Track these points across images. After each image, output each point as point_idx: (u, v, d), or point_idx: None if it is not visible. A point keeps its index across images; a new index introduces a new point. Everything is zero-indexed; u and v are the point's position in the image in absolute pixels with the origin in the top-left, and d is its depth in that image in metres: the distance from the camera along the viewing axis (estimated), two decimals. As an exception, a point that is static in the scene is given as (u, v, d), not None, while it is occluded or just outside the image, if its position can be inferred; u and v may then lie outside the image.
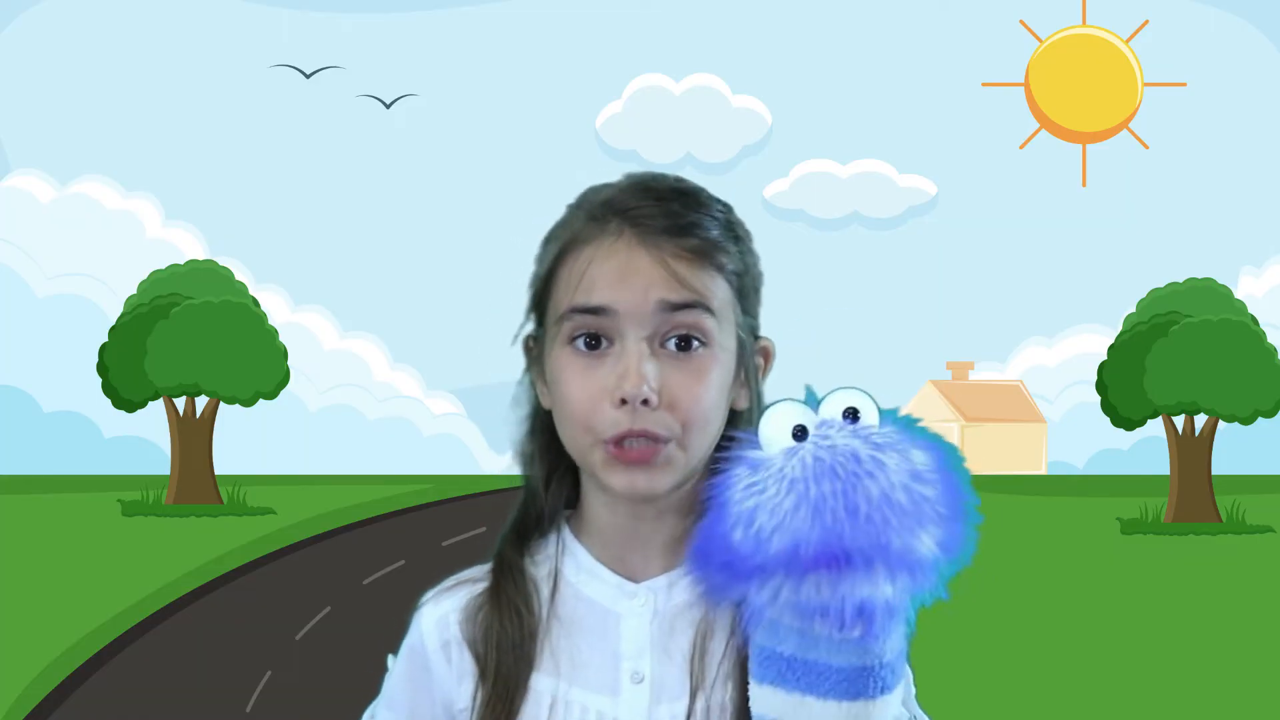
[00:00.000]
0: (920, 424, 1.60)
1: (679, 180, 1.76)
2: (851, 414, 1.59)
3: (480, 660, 1.76)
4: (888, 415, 1.60)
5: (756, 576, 1.57)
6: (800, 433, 1.58)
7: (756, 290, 1.77)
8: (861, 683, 1.59)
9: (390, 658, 1.85)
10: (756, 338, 1.77)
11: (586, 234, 1.71)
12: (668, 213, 1.70)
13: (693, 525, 1.73)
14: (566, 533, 1.79)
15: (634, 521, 1.75)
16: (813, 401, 1.62)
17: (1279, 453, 36.83)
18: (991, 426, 48.14)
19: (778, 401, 1.62)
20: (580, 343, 1.70)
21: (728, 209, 1.76)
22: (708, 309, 1.69)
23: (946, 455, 1.59)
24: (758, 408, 1.76)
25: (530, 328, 1.78)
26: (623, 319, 1.68)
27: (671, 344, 1.69)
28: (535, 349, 1.77)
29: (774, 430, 1.60)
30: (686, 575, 1.74)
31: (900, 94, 49.43)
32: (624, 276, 1.68)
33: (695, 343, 1.69)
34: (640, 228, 1.69)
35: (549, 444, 1.78)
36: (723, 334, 1.70)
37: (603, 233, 1.70)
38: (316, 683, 10.56)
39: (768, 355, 1.79)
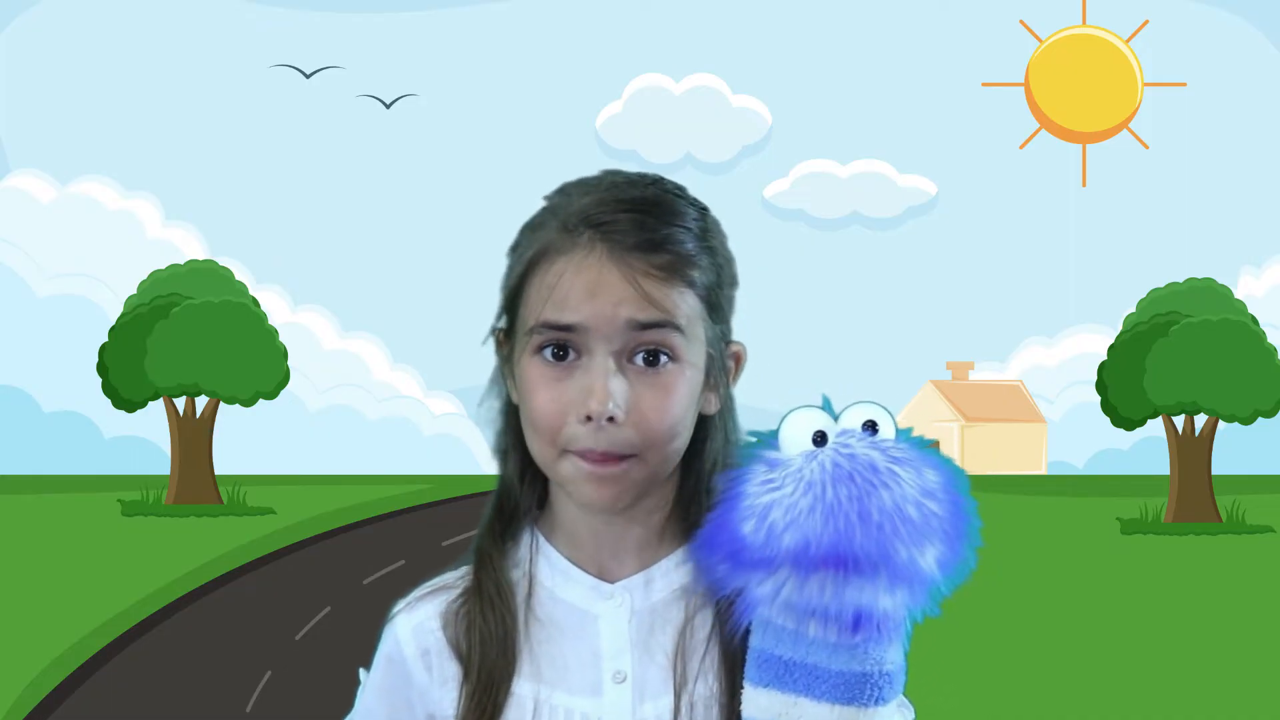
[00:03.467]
0: (933, 446, 1.63)
1: (655, 184, 1.76)
2: (870, 426, 1.62)
3: (464, 660, 1.76)
4: (903, 434, 1.63)
5: (762, 569, 1.59)
6: (820, 438, 1.61)
7: (729, 297, 1.77)
8: (858, 689, 1.61)
9: (361, 671, 1.84)
10: (728, 342, 1.78)
11: (559, 245, 1.71)
12: (641, 226, 1.70)
13: (663, 524, 1.76)
14: (538, 535, 1.80)
15: (605, 523, 1.76)
16: (829, 410, 1.64)
17: (1279, 453, 36.86)
18: (991, 426, 48.14)
19: (800, 407, 1.64)
20: (548, 353, 1.71)
21: (703, 214, 1.76)
22: (675, 326, 1.70)
23: (956, 477, 1.62)
24: (729, 411, 1.78)
25: (503, 322, 1.79)
26: (591, 335, 1.69)
27: (639, 359, 1.70)
28: (506, 345, 1.78)
29: (794, 433, 1.62)
30: (674, 574, 1.76)
31: (900, 94, 49.46)
32: (594, 293, 1.69)
33: (663, 358, 1.70)
34: (612, 243, 1.69)
35: (521, 439, 1.78)
36: (690, 348, 1.72)
37: (574, 246, 1.70)
38: (316, 683, 10.57)
39: (739, 359, 1.80)
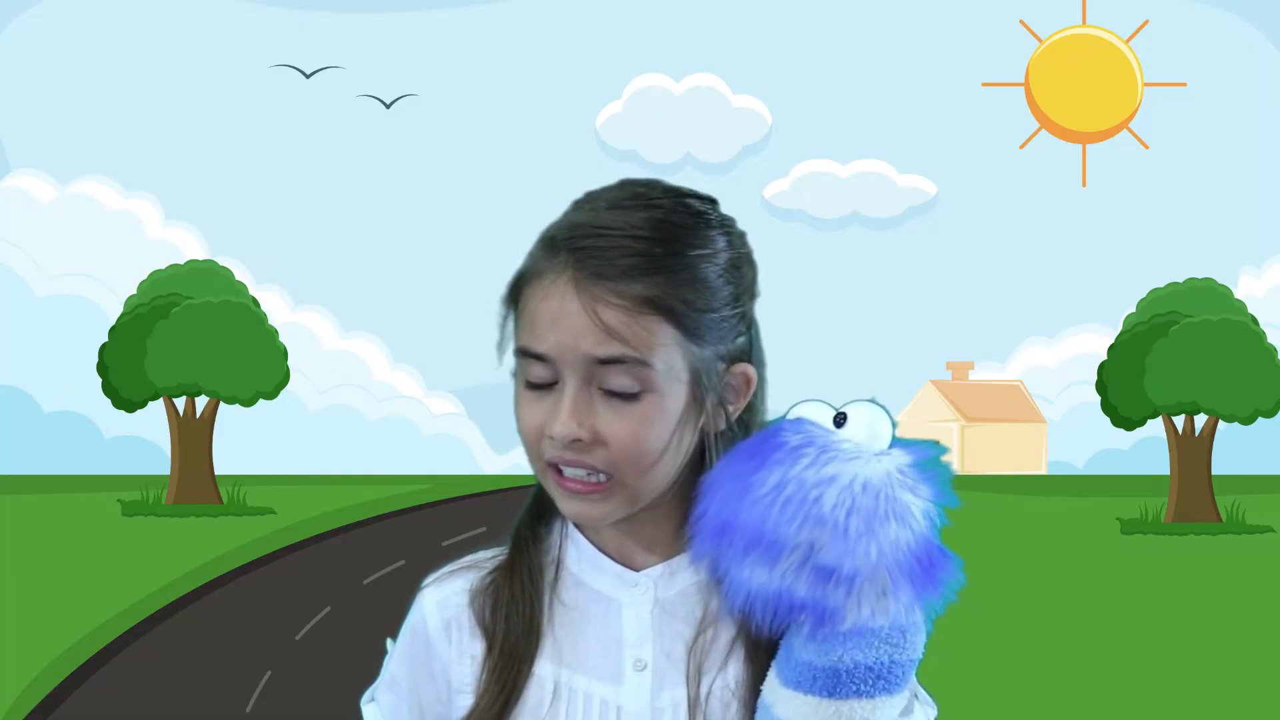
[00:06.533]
0: (930, 459, 1.66)
1: (668, 199, 1.74)
2: (840, 419, 1.65)
3: (488, 634, 1.78)
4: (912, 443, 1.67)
5: (770, 553, 1.62)
6: (841, 420, 1.65)
7: (736, 318, 1.74)
8: (834, 682, 1.65)
9: (389, 642, 1.86)
10: (732, 363, 1.75)
11: (538, 267, 1.72)
12: (621, 252, 1.69)
13: (679, 525, 1.76)
14: (569, 523, 1.81)
15: (628, 519, 1.77)
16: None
17: (1279, 453, 36.86)
18: (991, 426, 48.15)
19: (805, 400, 1.68)
20: (529, 373, 1.72)
21: (728, 233, 1.74)
22: (639, 361, 1.68)
23: (945, 496, 1.65)
24: (739, 431, 1.77)
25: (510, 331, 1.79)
26: (559, 364, 1.69)
27: (613, 388, 1.69)
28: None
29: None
30: (691, 550, 1.76)
31: (900, 94, 49.46)
32: (557, 322, 1.68)
33: (632, 389, 1.69)
34: (583, 269, 1.68)
35: None
36: (663, 377, 1.69)
37: (549, 269, 1.70)
38: (316, 683, 10.57)
39: (749, 381, 1.76)
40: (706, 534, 1.66)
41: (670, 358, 1.69)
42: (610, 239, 1.69)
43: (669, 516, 1.76)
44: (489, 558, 1.83)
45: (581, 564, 1.79)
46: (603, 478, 1.70)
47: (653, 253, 1.69)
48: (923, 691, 1.77)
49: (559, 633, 1.77)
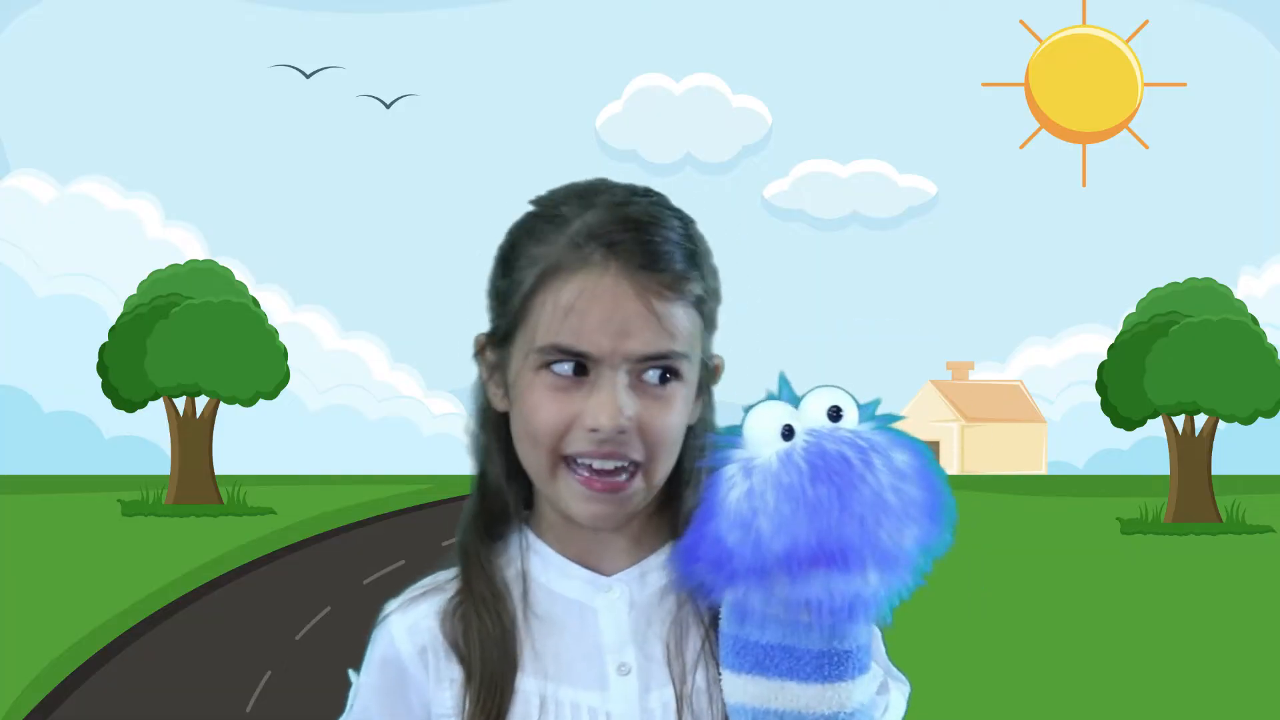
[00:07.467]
0: (895, 421, 1.66)
1: (646, 197, 1.75)
2: (834, 413, 1.63)
3: (465, 661, 1.76)
4: (866, 411, 1.64)
5: (754, 576, 1.61)
6: (788, 433, 1.62)
7: (715, 310, 1.78)
8: (842, 666, 1.64)
9: (352, 673, 1.82)
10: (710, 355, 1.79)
11: (569, 262, 1.70)
12: (647, 245, 1.71)
13: (648, 521, 1.77)
14: (528, 533, 1.80)
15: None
16: (786, 390, 1.66)
17: (1279, 453, 36.88)
18: (991, 426, 48.16)
19: (762, 401, 1.65)
20: (558, 369, 1.71)
21: (688, 226, 1.76)
22: (684, 353, 1.71)
23: (924, 454, 1.64)
24: (709, 419, 1.79)
25: (500, 329, 1.77)
26: (605, 360, 1.70)
27: (646, 377, 1.71)
28: (494, 352, 1.77)
29: (759, 429, 1.64)
30: (666, 567, 1.76)
31: (900, 94, 49.49)
32: (610, 318, 1.69)
33: (669, 376, 1.71)
34: (623, 262, 1.69)
35: (506, 443, 1.78)
36: (689, 365, 1.73)
37: (586, 264, 1.70)
38: (316, 683, 10.57)
39: (718, 369, 1.81)
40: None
41: (694, 346, 1.73)
42: (637, 235, 1.71)
43: (637, 517, 1.76)
44: (450, 579, 1.80)
45: (549, 573, 1.78)
46: (632, 469, 1.71)
47: (671, 245, 1.72)
48: (895, 669, 1.77)
49: (538, 645, 1.76)
